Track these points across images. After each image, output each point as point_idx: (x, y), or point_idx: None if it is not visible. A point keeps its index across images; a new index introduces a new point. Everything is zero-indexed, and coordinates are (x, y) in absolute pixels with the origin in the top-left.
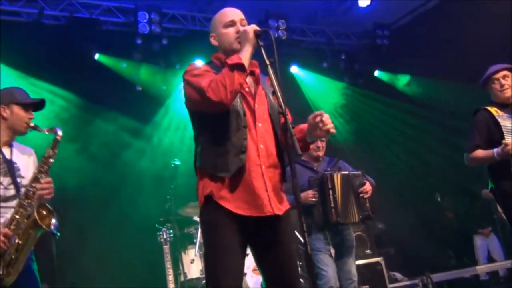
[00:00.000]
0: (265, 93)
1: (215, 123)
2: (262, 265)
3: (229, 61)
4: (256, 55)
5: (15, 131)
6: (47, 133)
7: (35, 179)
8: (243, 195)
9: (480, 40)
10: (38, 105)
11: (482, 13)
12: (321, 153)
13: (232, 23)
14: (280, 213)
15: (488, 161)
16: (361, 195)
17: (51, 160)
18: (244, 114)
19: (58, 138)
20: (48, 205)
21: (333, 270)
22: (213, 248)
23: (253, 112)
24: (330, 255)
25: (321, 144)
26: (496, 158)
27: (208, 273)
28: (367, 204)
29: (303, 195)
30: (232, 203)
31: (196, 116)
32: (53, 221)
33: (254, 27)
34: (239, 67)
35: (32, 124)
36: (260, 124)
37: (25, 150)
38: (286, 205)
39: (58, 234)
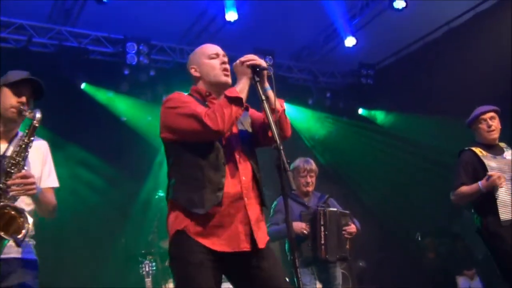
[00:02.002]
0: (236, 126)
1: (194, 157)
2: None
3: (228, 93)
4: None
5: (5, 118)
6: (28, 116)
7: (7, 173)
8: (219, 231)
9: (460, 81)
10: (36, 90)
11: (461, 57)
12: (310, 188)
13: (216, 55)
14: (262, 246)
15: (474, 196)
16: (344, 233)
17: (26, 150)
18: (224, 148)
19: (36, 123)
20: (17, 206)
21: None
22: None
23: (234, 146)
24: None
25: (311, 179)
26: (482, 190)
27: None
28: (347, 246)
29: (294, 224)
30: (208, 239)
31: (175, 148)
32: (25, 227)
33: (259, 62)
34: (237, 101)
35: (19, 108)
36: (238, 157)
37: (33, 142)
38: (266, 237)
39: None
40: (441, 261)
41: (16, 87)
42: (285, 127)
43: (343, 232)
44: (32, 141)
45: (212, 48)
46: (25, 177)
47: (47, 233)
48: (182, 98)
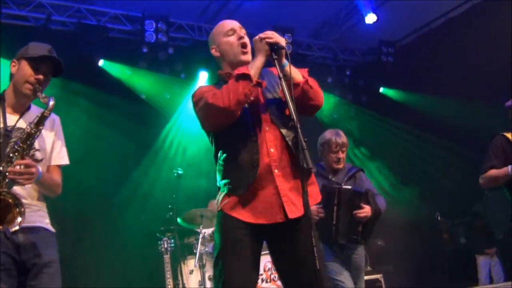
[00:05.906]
0: (263, 97)
1: (228, 140)
2: (280, 273)
3: (236, 71)
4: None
5: (19, 92)
6: (41, 100)
7: (8, 159)
8: (255, 204)
9: (484, 59)
10: (55, 67)
11: (486, 34)
12: (341, 166)
13: (233, 31)
14: (292, 216)
15: (502, 179)
16: (356, 216)
17: (33, 138)
18: (253, 125)
19: (47, 113)
20: (15, 194)
21: (349, 279)
22: (223, 257)
23: (259, 118)
24: (341, 264)
25: (342, 155)
26: (511, 175)
27: (217, 283)
28: (359, 228)
29: None
30: (245, 214)
31: (211, 136)
32: (19, 220)
33: (278, 39)
34: (245, 77)
35: (34, 87)
36: (267, 128)
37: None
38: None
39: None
40: (457, 241)
41: (36, 63)
42: (314, 96)
43: (355, 214)
44: (40, 130)
45: (228, 24)
46: (27, 166)
47: (67, 214)
48: (202, 90)
